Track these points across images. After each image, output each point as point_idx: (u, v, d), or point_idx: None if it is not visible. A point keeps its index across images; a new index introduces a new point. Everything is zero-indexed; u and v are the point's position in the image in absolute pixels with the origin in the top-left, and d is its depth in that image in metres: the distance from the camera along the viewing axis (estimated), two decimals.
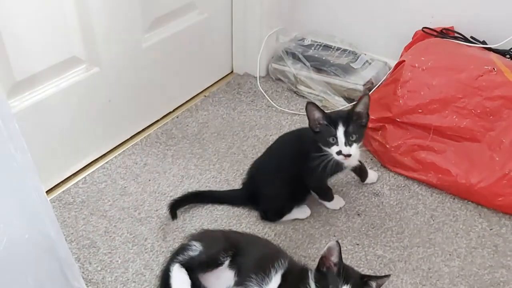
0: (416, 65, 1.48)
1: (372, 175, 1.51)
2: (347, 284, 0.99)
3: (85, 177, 1.50)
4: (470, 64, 1.46)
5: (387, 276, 1.09)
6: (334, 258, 1.02)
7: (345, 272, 1.01)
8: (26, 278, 0.76)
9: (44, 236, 0.77)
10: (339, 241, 1.32)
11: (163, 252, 1.28)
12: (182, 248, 1.17)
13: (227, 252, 1.12)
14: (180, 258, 1.14)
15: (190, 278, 1.09)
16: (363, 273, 1.09)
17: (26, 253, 0.75)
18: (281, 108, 1.82)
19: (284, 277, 1.08)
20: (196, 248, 1.15)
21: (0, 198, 0.71)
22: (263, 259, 1.11)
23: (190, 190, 1.45)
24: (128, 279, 1.22)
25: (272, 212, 1.38)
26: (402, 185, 1.51)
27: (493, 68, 1.42)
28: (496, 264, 1.28)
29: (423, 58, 1.50)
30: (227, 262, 1.12)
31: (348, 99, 1.80)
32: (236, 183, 1.50)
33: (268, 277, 1.07)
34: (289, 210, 1.38)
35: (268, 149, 1.45)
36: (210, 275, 1.13)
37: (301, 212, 1.40)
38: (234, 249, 1.13)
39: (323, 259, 1.04)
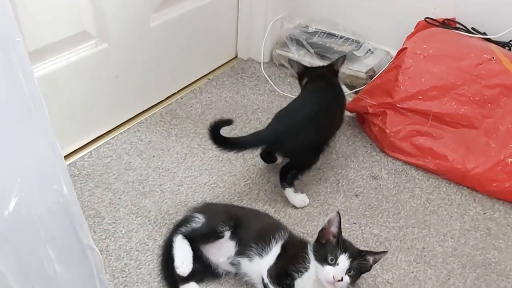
0: (418, 52, 1.51)
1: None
2: (345, 253, 1.03)
3: (90, 151, 1.53)
4: (471, 53, 1.49)
5: (384, 252, 1.13)
6: (333, 229, 1.05)
7: (344, 243, 1.05)
8: (39, 230, 0.79)
9: (57, 192, 0.80)
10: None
11: (166, 224, 1.32)
12: (185, 220, 1.21)
13: (229, 224, 1.16)
14: (183, 229, 1.18)
15: (192, 249, 1.13)
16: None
17: (40, 207, 0.78)
18: (283, 93, 1.85)
19: (284, 247, 1.11)
20: (199, 220, 1.18)
21: (18, 153, 0.74)
22: (264, 230, 1.15)
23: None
24: (131, 248, 1.25)
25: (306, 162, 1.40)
26: (400, 170, 1.55)
27: (492, 57, 1.46)
28: (489, 246, 1.32)
29: (425, 46, 1.53)
30: (228, 234, 1.16)
31: (350, 86, 1.84)
32: (238, 162, 1.53)
33: (269, 247, 1.11)
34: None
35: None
36: (212, 246, 1.17)
37: (300, 200, 1.40)
38: (235, 221, 1.17)
39: (323, 232, 1.08)
